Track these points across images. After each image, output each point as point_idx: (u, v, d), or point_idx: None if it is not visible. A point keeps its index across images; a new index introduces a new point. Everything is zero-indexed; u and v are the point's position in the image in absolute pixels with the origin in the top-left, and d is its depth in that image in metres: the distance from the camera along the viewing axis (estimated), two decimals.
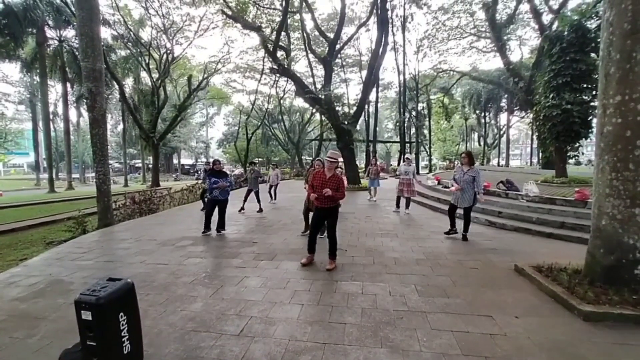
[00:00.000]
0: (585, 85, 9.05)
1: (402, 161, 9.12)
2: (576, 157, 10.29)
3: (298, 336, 2.75)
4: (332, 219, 4.47)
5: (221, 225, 6.50)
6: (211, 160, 7.23)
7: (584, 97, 8.91)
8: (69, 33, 23.92)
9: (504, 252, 5.03)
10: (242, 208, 9.04)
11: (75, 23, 17.66)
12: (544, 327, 2.87)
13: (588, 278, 3.50)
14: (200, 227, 6.55)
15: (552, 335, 2.75)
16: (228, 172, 7.39)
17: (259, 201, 9.14)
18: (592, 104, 8.72)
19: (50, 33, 23.50)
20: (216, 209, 6.45)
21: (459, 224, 5.99)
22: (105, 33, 23.84)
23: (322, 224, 4.70)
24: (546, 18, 18.03)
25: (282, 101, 33.00)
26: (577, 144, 9.53)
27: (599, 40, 3.58)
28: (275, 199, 10.94)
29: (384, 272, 4.25)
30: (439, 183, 11.33)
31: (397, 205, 8.76)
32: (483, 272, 4.22)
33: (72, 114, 34.56)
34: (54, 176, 24.68)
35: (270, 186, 10.99)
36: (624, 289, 3.19)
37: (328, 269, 4.33)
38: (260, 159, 42.53)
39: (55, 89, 33.27)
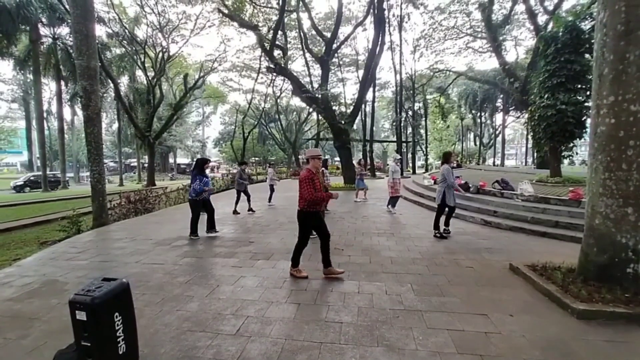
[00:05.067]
0: (579, 86, 9.11)
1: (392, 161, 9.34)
2: (570, 157, 10.37)
3: (294, 335, 2.75)
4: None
5: (213, 226, 6.39)
6: (198, 158, 6.98)
7: (578, 97, 8.98)
8: (63, 30, 23.67)
9: (499, 251, 5.07)
10: (251, 209, 8.98)
11: (69, 20, 17.46)
12: (538, 325, 2.90)
13: (581, 276, 3.53)
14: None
15: (546, 333, 2.78)
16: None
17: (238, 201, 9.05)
18: (586, 104, 8.78)
19: (44, 30, 23.25)
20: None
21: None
22: (100, 31, 23.66)
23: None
24: (541, 19, 18.19)
25: (278, 100, 32.94)
26: (572, 144, 9.60)
27: (593, 41, 3.62)
28: (269, 200, 10.65)
29: (380, 271, 4.26)
30: (435, 182, 11.37)
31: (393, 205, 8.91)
32: (478, 271, 4.25)
33: (67, 112, 34.27)
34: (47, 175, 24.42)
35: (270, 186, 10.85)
36: (617, 287, 3.23)
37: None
38: (257, 158, 42.42)
39: (49, 87, 33.05)
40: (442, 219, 6.10)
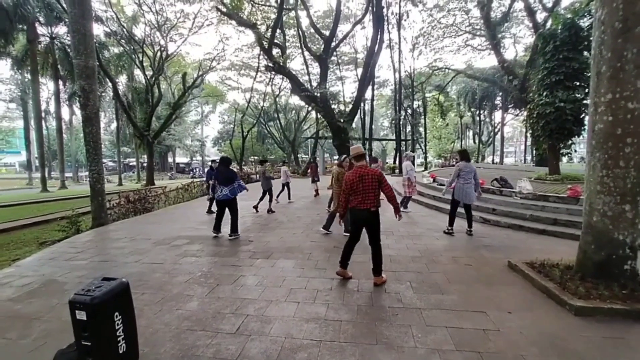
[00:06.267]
0: (578, 84, 9.11)
1: (405, 159, 9.09)
2: (569, 155, 10.39)
3: (294, 334, 2.76)
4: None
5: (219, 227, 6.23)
6: (217, 158, 7.04)
7: (576, 95, 8.98)
8: (61, 30, 23.58)
9: (497, 249, 5.08)
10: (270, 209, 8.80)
11: (67, 20, 17.36)
12: (536, 322, 2.92)
13: (579, 273, 3.55)
14: (197, 226, 6.50)
15: (544, 329, 2.79)
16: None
17: (260, 200, 8.87)
18: (584, 101, 8.77)
19: (41, 30, 23.10)
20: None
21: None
22: (98, 30, 23.53)
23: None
24: (540, 16, 18.15)
25: (277, 99, 32.88)
26: (570, 142, 9.62)
27: (591, 38, 3.62)
28: (287, 198, 10.51)
29: None
30: (434, 181, 11.39)
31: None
32: (477, 268, 4.27)
33: (65, 112, 34.11)
34: (46, 175, 24.39)
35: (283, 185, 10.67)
36: (614, 283, 3.25)
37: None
38: (256, 157, 42.41)
39: (47, 87, 32.84)
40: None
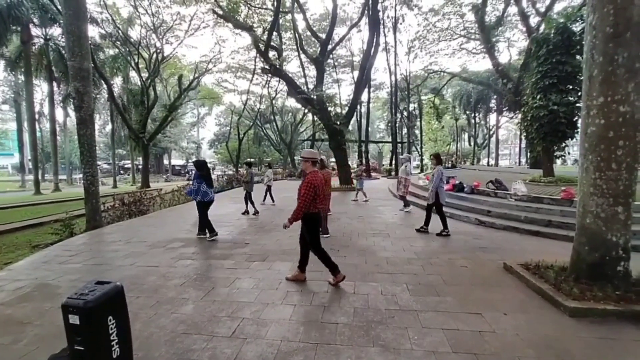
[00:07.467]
0: (571, 87, 9.24)
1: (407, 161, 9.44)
2: (563, 157, 10.52)
3: (290, 337, 2.75)
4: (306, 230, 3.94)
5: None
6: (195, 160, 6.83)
7: (570, 98, 9.11)
8: (55, 31, 23.41)
9: (493, 251, 5.12)
10: (247, 211, 8.81)
11: (61, 21, 17.29)
12: (531, 323, 2.94)
13: (573, 275, 3.58)
14: (191, 228, 6.45)
15: (539, 331, 2.81)
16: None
17: (252, 204, 8.87)
18: (577, 105, 8.89)
19: (35, 31, 22.93)
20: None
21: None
22: (93, 31, 23.49)
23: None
24: (533, 20, 18.41)
25: (274, 101, 32.89)
26: (564, 144, 9.74)
27: (583, 42, 3.68)
28: (267, 201, 10.48)
29: (375, 271, 4.28)
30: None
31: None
32: (473, 270, 4.29)
33: (59, 113, 33.86)
34: (40, 177, 24.14)
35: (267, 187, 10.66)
36: (608, 285, 3.28)
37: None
38: (252, 159, 42.32)
39: (41, 88, 32.57)
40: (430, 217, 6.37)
